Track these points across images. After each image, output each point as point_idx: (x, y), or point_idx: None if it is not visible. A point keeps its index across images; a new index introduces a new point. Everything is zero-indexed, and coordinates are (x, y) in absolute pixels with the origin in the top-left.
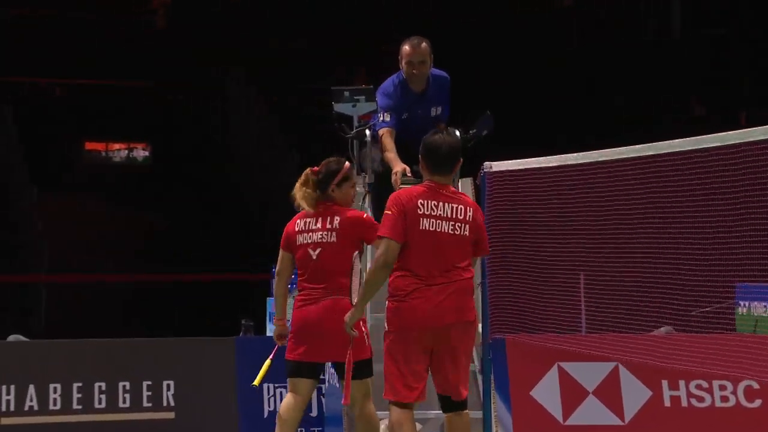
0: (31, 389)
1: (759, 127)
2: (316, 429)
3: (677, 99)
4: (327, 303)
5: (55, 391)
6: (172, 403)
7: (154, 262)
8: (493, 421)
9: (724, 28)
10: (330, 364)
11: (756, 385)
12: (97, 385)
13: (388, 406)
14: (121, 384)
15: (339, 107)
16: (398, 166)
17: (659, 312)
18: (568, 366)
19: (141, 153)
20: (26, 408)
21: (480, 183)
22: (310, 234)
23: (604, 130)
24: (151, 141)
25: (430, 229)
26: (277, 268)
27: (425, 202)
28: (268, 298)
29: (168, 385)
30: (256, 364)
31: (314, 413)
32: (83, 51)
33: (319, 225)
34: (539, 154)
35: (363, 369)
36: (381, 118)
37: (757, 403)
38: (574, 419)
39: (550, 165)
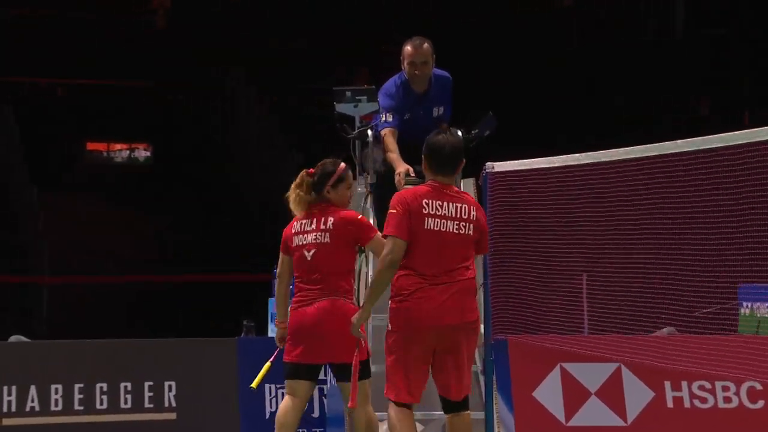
0: (33, 390)
1: (766, 128)
2: (317, 430)
3: (677, 99)
4: (323, 304)
5: (56, 392)
6: (174, 404)
7: (155, 263)
8: (495, 422)
9: (725, 28)
10: (328, 365)
11: (759, 386)
12: (98, 385)
13: (387, 405)
14: (122, 385)
15: (341, 107)
16: (401, 167)
17: (662, 313)
18: (570, 367)
19: (142, 153)
20: (27, 409)
21: (482, 183)
22: (305, 235)
23: (604, 130)
24: (152, 141)
25: (435, 228)
26: (277, 271)
27: (430, 201)
28: (269, 299)
29: (169, 386)
30: (257, 365)
31: (316, 414)
32: (83, 51)
33: (313, 226)
34: (539, 154)
35: (360, 370)
36: (383, 119)
37: (760, 404)
38: (577, 420)
39: (553, 165)
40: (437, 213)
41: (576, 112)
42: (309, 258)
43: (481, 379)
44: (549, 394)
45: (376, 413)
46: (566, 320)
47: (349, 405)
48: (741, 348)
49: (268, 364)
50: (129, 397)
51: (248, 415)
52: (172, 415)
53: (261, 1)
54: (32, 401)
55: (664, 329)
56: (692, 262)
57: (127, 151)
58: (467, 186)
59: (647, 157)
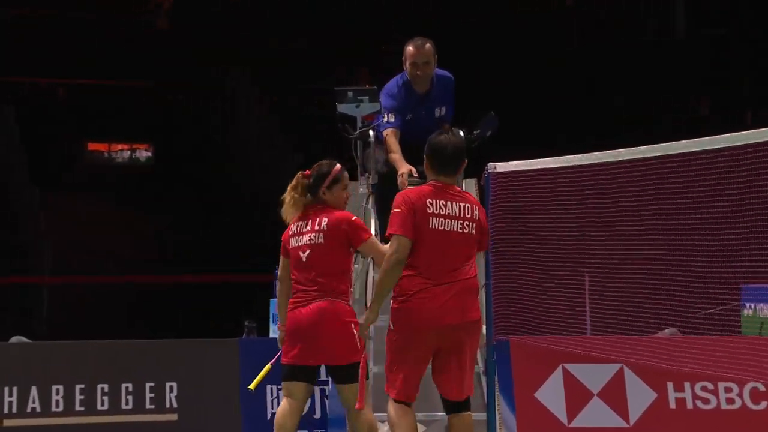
0: (34, 391)
1: None
2: (319, 431)
3: (677, 99)
4: (318, 305)
5: (57, 393)
6: (175, 405)
7: (155, 263)
8: (498, 423)
9: (725, 28)
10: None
11: (762, 387)
12: (99, 386)
13: (387, 405)
14: (123, 386)
15: (342, 108)
16: (404, 168)
17: (664, 313)
18: (572, 368)
19: (144, 154)
20: (29, 410)
21: (484, 184)
22: (301, 237)
23: (604, 130)
24: (153, 141)
25: (440, 228)
26: (278, 274)
27: (434, 201)
28: (271, 300)
29: (171, 387)
30: (259, 366)
31: (317, 415)
32: (83, 51)
33: (309, 227)
34: (539, 154)
35: (356, 372)
36: (385, 119)
37: (763, 405)
38: (579, 421)
39: (556, 166)
40: (441, 212)
41: (576, 112)
42: (304, 259)
43: (483, 379)
44: (551, 395)
45: (376, 413)
46: (568, 321)
47: (356, 407)
48: (744, 349)
49: (268, 366)
50: (130, 398)
51: (250, 417)
52: (174, 416)
53: (261, 1)
54: (33, 402)
55: (667, 330)
56: (695, 263)
57: (128, 152)
58: (469, 186)
59: (651, 157)
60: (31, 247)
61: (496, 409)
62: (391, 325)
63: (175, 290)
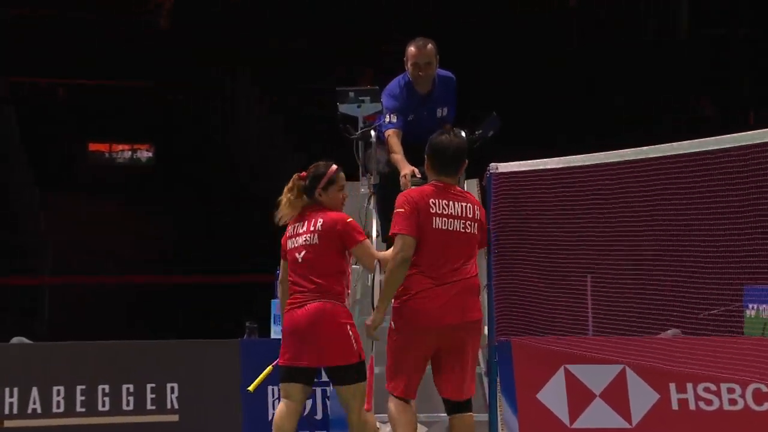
0: (35, 392)
1: None
2: None
3: (677, 99)
4: (314, 307)
5: (58, 394)
6: (176, 406)
7: (155, 264)
8: (499, 424)
9: (725, 28)
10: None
11: (765, 388)
12: (100, 387)
13: (386, 407)
14: (124, 386)
15: (344, 108)
16: (406, 168)
17: (667, 314)
18: (574, 368)
19: (145, 154)
20: (29, 411)
21: (486, 184)
22: (297, 238)
23: (604, 130)
24: (154, 142)
25: (444, 228)
26: (279, 276)
27: (436, 201)
28: (272, 300)
29: (172, 388)
30: (260, 367)
31: (319, 416)
32: (83, 51)
33: (304, 228)
34: (539, 154)
35: (353, 373)
36: (387, 120)
37: (766, 406)
38: (581, 422)
39: (559, 166)
40: (444, 212)
41: (576, 112)
42: (300, 260)
43: (485, 380)
44: (553, 396)
45: (377, 414)
46: (570, 322)
47: (365, 408)
48: (746, 350)
49: (269, 367)
50: (131, 398)
51: (251, 417)
52: (175, 417)
53: (261, 1)
54: (34, 403)
55: (669, 331)
56: (697, 264)
57: (130, 152)
58: (471, 187)
59: (654, 158)
60: (31, 247)
61: (498, 410)
62: (392, 324)
63: (176, 290)
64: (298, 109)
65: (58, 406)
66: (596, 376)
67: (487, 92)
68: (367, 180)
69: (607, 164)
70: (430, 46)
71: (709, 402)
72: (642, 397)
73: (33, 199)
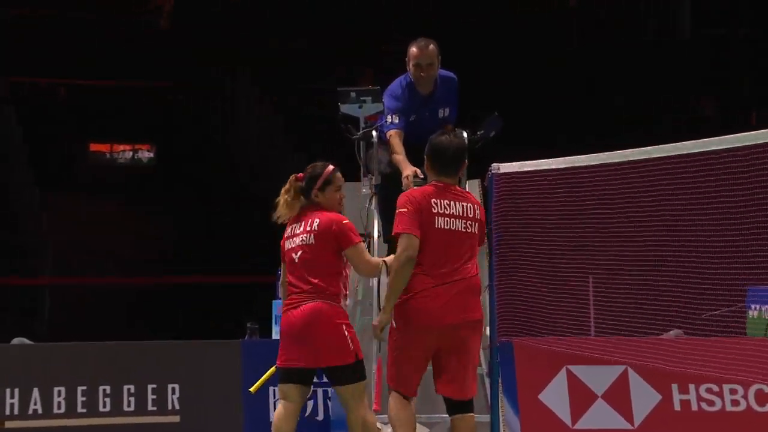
0: (35, 392)
1: None
2: None
3: (677, 99)
4: (309, 307)
5: (59, 395)
6: (177, 407)
7: (155, 264)
8: (501, 425)
9: (725, 28)
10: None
11: (767, 389)
12: (101, 388)
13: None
14: (125, 387)
15: (345, 108)
16: (408, 169)
17: (669, 315)
18: (576, 369)
19: (146, 154)
20: (30, 411)
21: (487, 184)
22: (294, 238)
23: (604, 130)
24: (155, 142)
25: (446, 227)
26: (281, 278)
27: (438, 201)
28: (273, 301)
29: (173, 389)
30: (262, 368)
31: (320, 417)
32: (83, 51)
33: (301, 228)
34: (539, 154)
35: (351, 373)
36: (389, 120)
37: None
38: (583, 423)
39: (560, 167)
40: (446, 212)
41: (576, 112)
42: (296, 260)
43: (487, 381)
44: (555, 397)
45: (377, 415)
46: (572, 322)
47: (374, 408)
48: (749, 351)
49: (272, 369)
50: (132, 399)
51: (252, 418)
52: (176, 418)
53: (261, 1)
54: (35, 404)
55: (672, 332)
56: (700, 264)
57: (131, 152)
58: (472, 187)
59: (656, 158)
60: (31, 247)
61: (500, 411)
62: (394, 322)
63: (176, 291)
64: (298, 109)
65: (59, 407)
66: (598, 377)
67: (488, 92)
68: (368, 180)
69: (609, 164)
70: (431, 46)
71: (711, 403)
72: (644, 397)
73: (33, 199)
